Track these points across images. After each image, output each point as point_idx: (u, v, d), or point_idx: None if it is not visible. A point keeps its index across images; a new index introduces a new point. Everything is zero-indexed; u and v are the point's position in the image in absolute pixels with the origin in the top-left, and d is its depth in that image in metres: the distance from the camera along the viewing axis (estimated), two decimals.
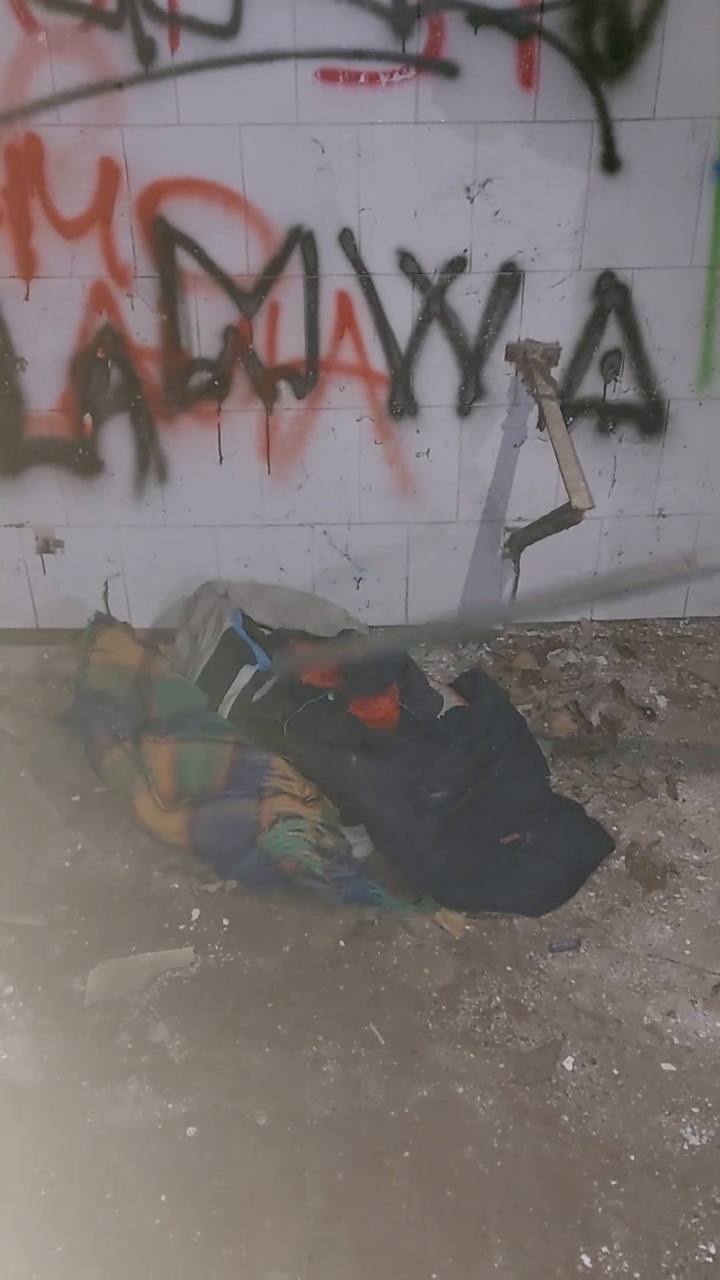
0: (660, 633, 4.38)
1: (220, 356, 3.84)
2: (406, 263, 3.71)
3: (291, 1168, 2.56)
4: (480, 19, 3.40)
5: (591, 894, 3.27)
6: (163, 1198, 2.50)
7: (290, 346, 3.84)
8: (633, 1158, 2.59)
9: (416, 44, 3.42)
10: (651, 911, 3.22)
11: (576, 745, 3.82)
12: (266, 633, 3.88)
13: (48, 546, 4.15)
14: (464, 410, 3.96)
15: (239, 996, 2.97)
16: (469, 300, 3.79)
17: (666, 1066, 2.79)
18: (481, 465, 4.06)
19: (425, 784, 3.42)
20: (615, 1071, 2.78)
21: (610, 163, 3.60)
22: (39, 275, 3.69)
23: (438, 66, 3.45)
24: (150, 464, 4.00)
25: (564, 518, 3.56)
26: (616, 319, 3.85)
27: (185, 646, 3.90)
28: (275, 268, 3.70)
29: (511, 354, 3.87)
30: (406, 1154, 2.59)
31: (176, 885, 3.29)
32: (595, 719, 3.92)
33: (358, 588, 4.26)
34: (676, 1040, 2.85)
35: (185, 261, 3.69)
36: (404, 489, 4.09)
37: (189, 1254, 2.40)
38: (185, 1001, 2.95)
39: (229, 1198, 2.51)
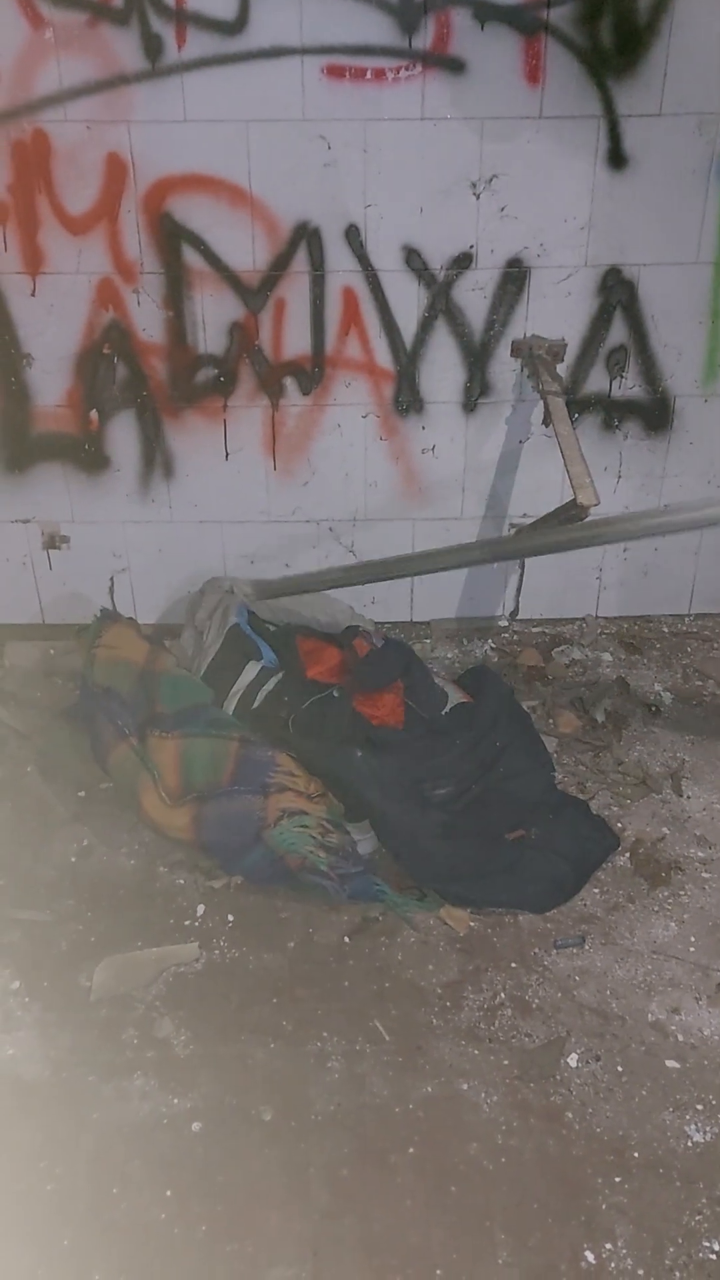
0: (665, 629, 4.38)
1: (226, 353, 3.84)
2: (412, 259, 3.71)
3: (296, 1163, 2.57)
4: (487, 15, 3.40)
5: (596, 890, 3.27)
6: (168, 1193, 2.51)
7: (296, 343, 3.84)
8: (637, 1154, 2.59)
9: (423, 40, 3.42)
10: (656, 908, 3.22)
11: (581, 742, 3.82)
12: (272, 629, 3.88)
13: (53, 542, 4.15)
14: (469, 406, 3.96)
15: (244, 992, 2.97)
16: (475, 296, 3.78)
17: (671, 1063, 2.79)
18: (487, 461, 4.06)
19: (430, 780, 3.42)
20: (619, 1068, 2.78)
21: (617, 158, 3.60)
22: (45, 271, 3.69)
23: (444, 62, 3.45)
24: (156, 460, 4.01)
25: (569, 514, 3.55)
26: (622, 315, 3.84)
27: (190, 642, 3.90)
28: (281, 264, 3.70)
29: (517, 350, 3.87)
30: (411, 1150, 2.60)
31: (182, 881, 3.29)
32: (600, 715, 3.92)
33: (363, 584, 4.26)
34: (681, 1037, 2.86)
35: (191, 258, 3.69)
36: (409, 485, 4.09)
37: (194, 1249, 2.41)
38: (190, 997, 2.96)
39: (234, 1193, 2.51)
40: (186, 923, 3.17)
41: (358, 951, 3.09)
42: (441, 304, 3.79)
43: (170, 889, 3.27)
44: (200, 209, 3.63)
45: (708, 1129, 2.64)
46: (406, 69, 3.45)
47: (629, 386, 3.96)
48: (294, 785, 3.30)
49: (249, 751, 3.37)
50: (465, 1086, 2.73)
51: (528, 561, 4.20)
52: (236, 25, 3.40)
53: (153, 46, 3.42)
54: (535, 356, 3.82)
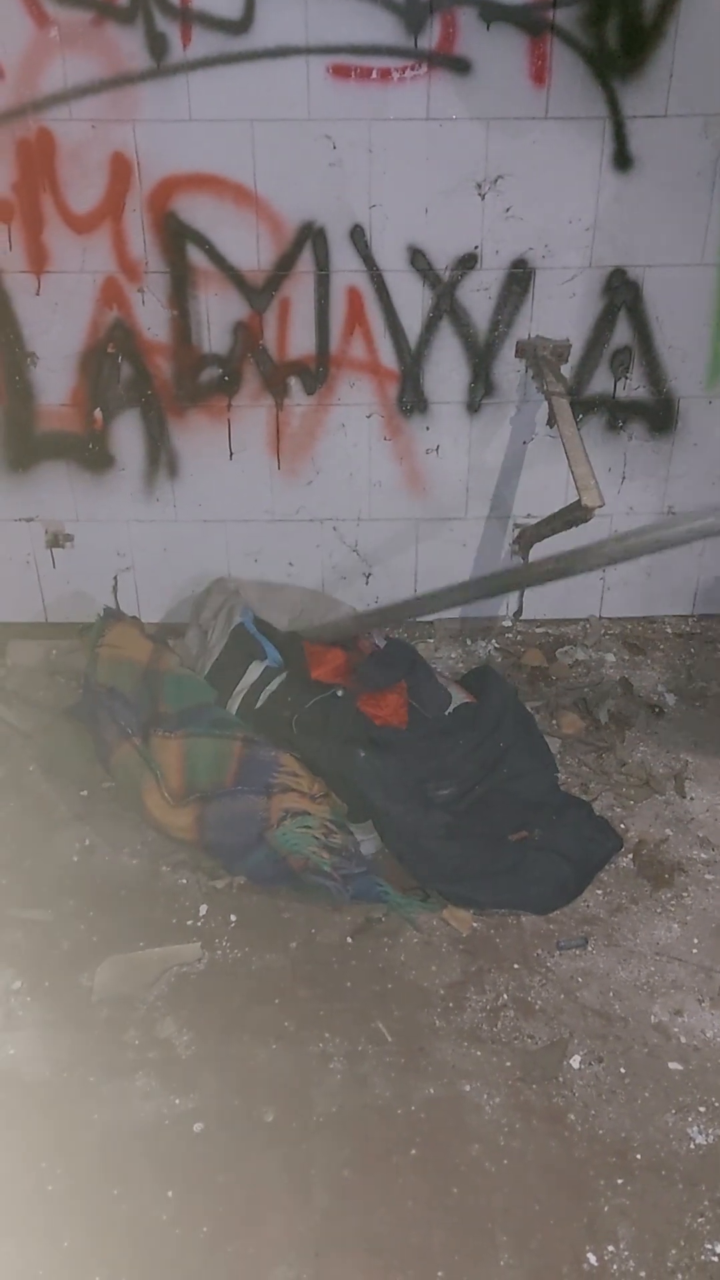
0: (669, 630, 4.38)
1: (231, 352, 3.84)
2: (417, 259, 3.71)
3: (298, 1164, 2.57)
4: (493, 15, 3.39)
5: (599, 892, 3.27)
6: (170, 1193, 2.51)
7: (301, 342, 3.83)
8: (639, 1156, 2.59)
9: (429, 40, 3.41)
10: (659, 910, 3.22)
11: (584, 743, 3.82)
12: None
13: (57, 541, 4.15)
14: (474, 407, 3.96)
15: (246, 992, 2.97)
16: (479, 297, 3.78)
17: (673, 1065, 2.79)
18: (491, 462, 4.06)
19: (433, 781, 3.42)
20: (622, 1070, 2.78)
21: (622, 160, 3.59)
22: (50, 270, 3.69)
23: (450, 63, 3.45)
24: (160, 459, 4.01)
25: (573, 516, 3.55)
26: (627, 316, 3.84)
27: (195, 642, 3.90)
28: (286, 264, 3.70)
29: (522, 351, 3.87)
30: (413, 1151, 2.60)
31: (185, 881, 3.29)
32: (603, 716, 3.92)
33: (367, 583, 4.26)
34: (684, 1039, 2.86)
35: (196, 257, 3.69)
36: (413, 485, 4.08)
37: (196, 1249, 2.41)
38: (193, 997, 2.96)
39: (236, 1193, 2.51)
40: (189, 923, 3.17)
41: (360, 952, 3.09)
42: (446, 304, 3.78)
43: (173, 889, 3.27)
44: (205, 208, 3.63)
45: (710, 1131, 2.64)
46: (412, 69, 3.44)
47: (633, 388, 3.96)
48: (297, 786, 3.30)
49: (252, 752, 3.37)
50: (467, 1088, 2.73)
51: (531, 561, 4.19)
52: (242, 24, 3.39)
53: (158, 45, 3.41)
54: (540, 357, 3.82)
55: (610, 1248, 2.42)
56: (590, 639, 4.32)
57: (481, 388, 3.92)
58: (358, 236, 3.67)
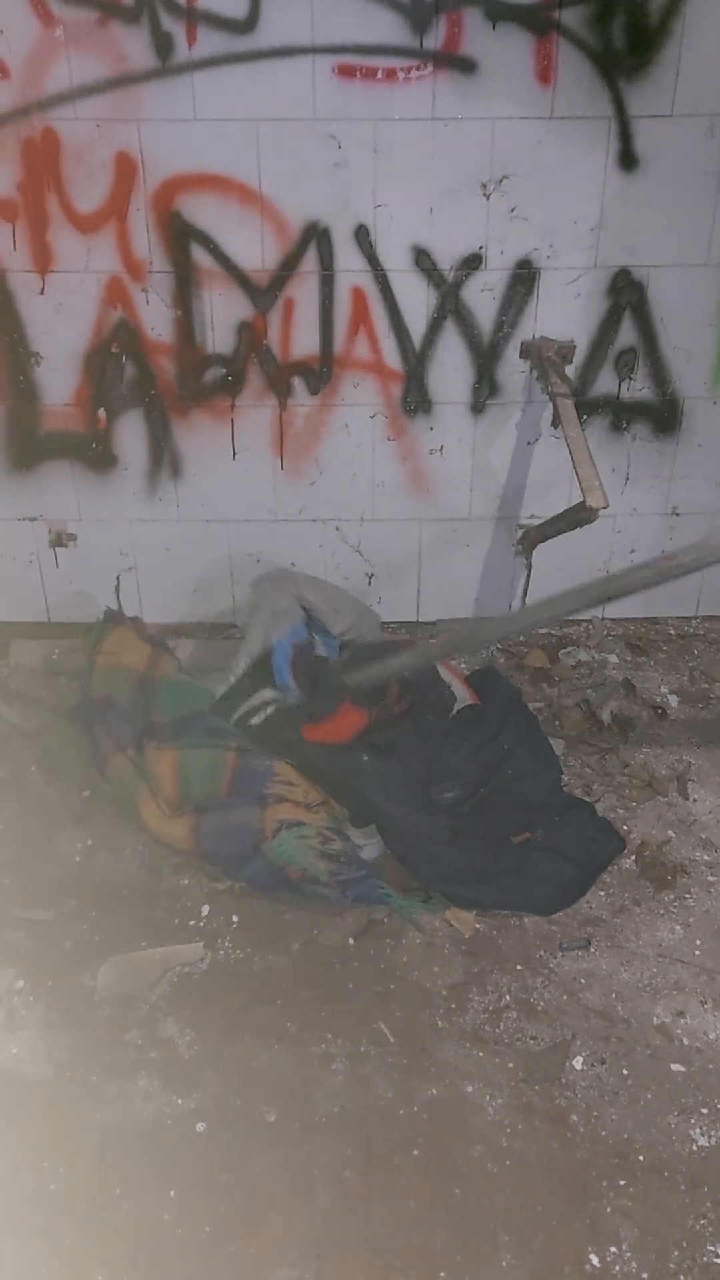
0: (672, 631, 4.37)
1: (234, 352, 3.84)
2: (422, 259, 3.70)
3: (300, 1165, 2.57)
4: (499, 15, 3.39)
5: (602, 893, 3.27)
6: (171, 1193, 2.51)
7: (304, 342, 3.83)
8: (641, 1158, 2.59)
9: (434, 40, 3.41)
10: (662, 911, 3.22)
11: (587, 744, 3.82)
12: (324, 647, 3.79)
13: (60, 540, 4.15)
14: (478, 407, 3.96)
15: (248, 993, 2.97)
16: (484, 297, 3.78)
17: (676, 1067, 2.79)
18: (495, 462, 4.06)
19: (437, 783, 3.42)
20: (624, 1071, 2.78)
21: (627, 160, 3.59)
22: (54, 270, 3.69)
23: (455, 62, 3.44)
24: (164, 459, 4.00)
25: (578, 516, 3.55)
26: (632, 317, 3.84)
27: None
28: (290, 264, 3.69)
29: (526, 351, 3.87)
30: (415, 1152, 2.60)
31: (186, 881, 3.29)
32: (606, 717, 3.92)
33: (370, 584, 4.26)
34: (686, 1041, 2.85)
35: (200, 257, 3.69)
36: (417, 486, 4.08)
37: (197, 1250, 2.41)
38: (195, 997, 2.96)
39: (238, 1194, 2.51)
40: (191, 923, 3.17)
41: (362, 953, 3.09)
42: (450, 305, 3.78)
43: (175, 889, 3.27)
44: (210, 208, 3.62)
45: (713, 1133, 2.64)
46: (418, 69, 3.44)
47: (638, 388, 3.95)
48: (291, 795, 3.29)
49: (246, 761, 3.35)
50: (470, 1089, 2.73)
51: (535, 562, 4.18)
52: (247, 24, 3.39)
53: (163, 45, 3.41)
54: (544, 358, 3.82)
55: (612, 1249, 2.42)
56: (593, 640, 4.32)
57: (486, 388, 3.92)
58: (362, 236, 3.66)
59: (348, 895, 3.17)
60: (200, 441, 3.98)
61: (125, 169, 3.56)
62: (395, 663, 3.58)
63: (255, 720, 3.54)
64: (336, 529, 4.15)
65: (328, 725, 3.50)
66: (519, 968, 3.04)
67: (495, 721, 3.58)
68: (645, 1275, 2.38)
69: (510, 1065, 2.79)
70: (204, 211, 3.63)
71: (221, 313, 3.78)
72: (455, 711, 3.63)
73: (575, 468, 3.45)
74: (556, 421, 3.80)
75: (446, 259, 3.71)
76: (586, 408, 3.97)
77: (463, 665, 4.18)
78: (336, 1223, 2.46)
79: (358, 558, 4.20)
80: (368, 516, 4.12)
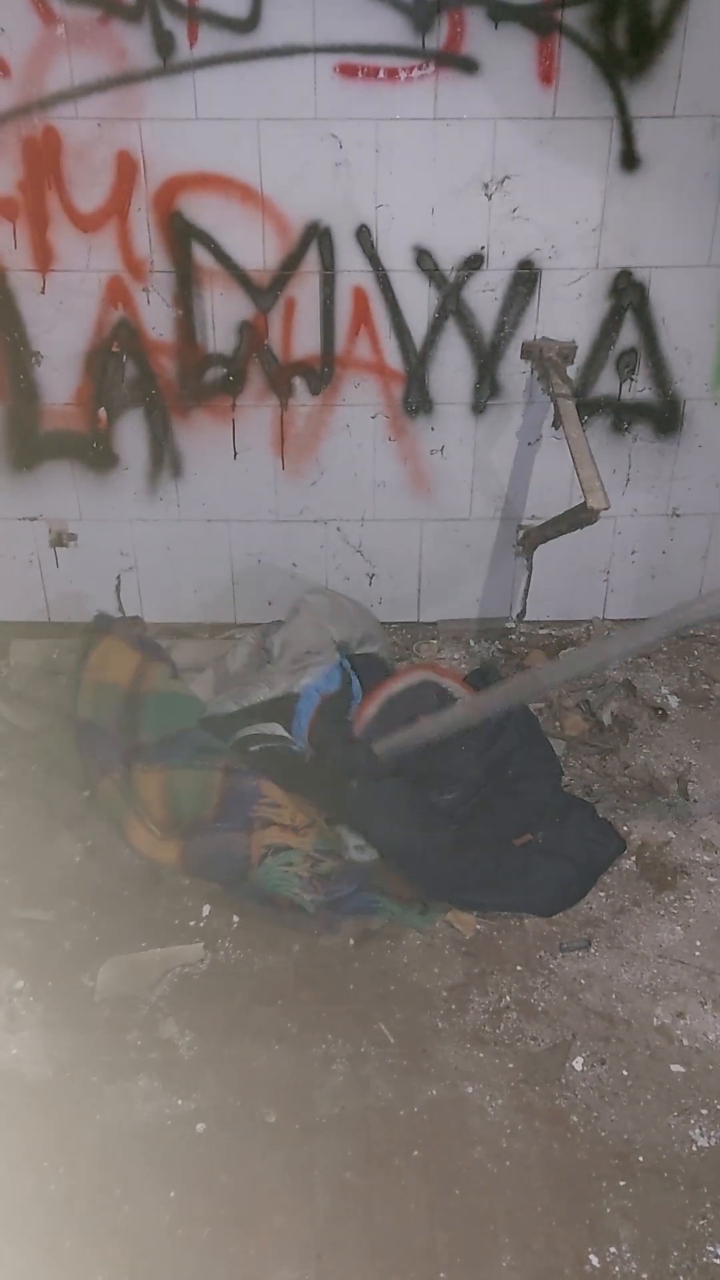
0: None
1: (235, 352, 3.84)
2: (423, 259, 3.70)
3: (300, 1166, 2.57)
4: (501, 15, 3.38)
5: (602, 894, 3.26)
6: (171, 1194, 2.51)
7: (306, 342, 3.83)
8: (641, 1159, 2.59)
9: (436, 39, 3.41)
10: (662, 912, 3.22)
11: (588, 744, 3.82)
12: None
13: (61, 540, 4.15)
14: (479, 408, 3.95)
15: (249, 994, 2.97)
16: (485, 298, 3.78)
17: (676, 1068, 2.79)
18: (496, 463, 4.05)
19: (438, 786, 3.41)
20: (624, 1072, 2.78)
21: (629, 160, 3.58)
22: (55, 269, 3.68)
23: (457, 62, 3.44)
24: (164, 459, 4.00)
25: (579, 518, 3.55)
26: (633, 318, 3.83)
27: (243, 655, 3.86)
28: (292, 263, 3.69)
29: (527, 352, 3.86)
30: (415, 1153, 2.60)
31: (187, 882, 3.29)
32: (607, 718, 3.91)
33: (370, 584, 4.25)
34: (686, 1042, 2.85)
35: (201, 256, 3.68)
36: (418, 486, 4.08)
37: (197, 1251, 2.41)
38: (195, 998, 2.96)
39: (238, 1195, 2.51)
40: (191, 923, 3.17)
41: (363, 954, 3.08)
42: (452, 305, 3.78)
43: (175, 889, 3.27)
44: (211, 207, 3.62)
45: (712, 1134, 2.64)
46: (419, 68, 3.44)
47: (639, 389, 3.95)
48: (279, 819, 3.27)
49: (234, 782, 3.33)
50: (470, 1090, 2.73)
51: (535, 563, 4.19)
52: (249, 23, 3.39)
53: (164, 44, 3.41)
54: (545, 359, 3.81)
55: (612, 1249, 2.42)
56: (594, 640, 4.32)
57: (487, 389, 3.92)
58: (364, 236, 3.66)
59: (338, 917, 3.15)
60: (201, 441, 3.98)
61: (126, 168, 3.55)
62: (425, 729, 3.50)
63: (254, 748, 3.48)
64: (337, 529, 4.14)
65: None
66: (519, 968, 3.04)
67: (496, 722, 3.57)
68: (645, 1276, 2.38)
69: (510, 1066, 2.79)
70: (205, 211, 3.63)
71: (222, 312, 3.78)
72: None
73: (576, 469, 3.45)
74: (558, 422, 3.80)
75: (448, 259, 3.71)
76: (588, 408, 3.96)
77: (462, 666, 4.18)
78: (336, 1224, 2.46)
79: (358, 558, 4.20)
80: (369, 517, 4.12)
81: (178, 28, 3.39)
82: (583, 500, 3.38)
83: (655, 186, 3.62)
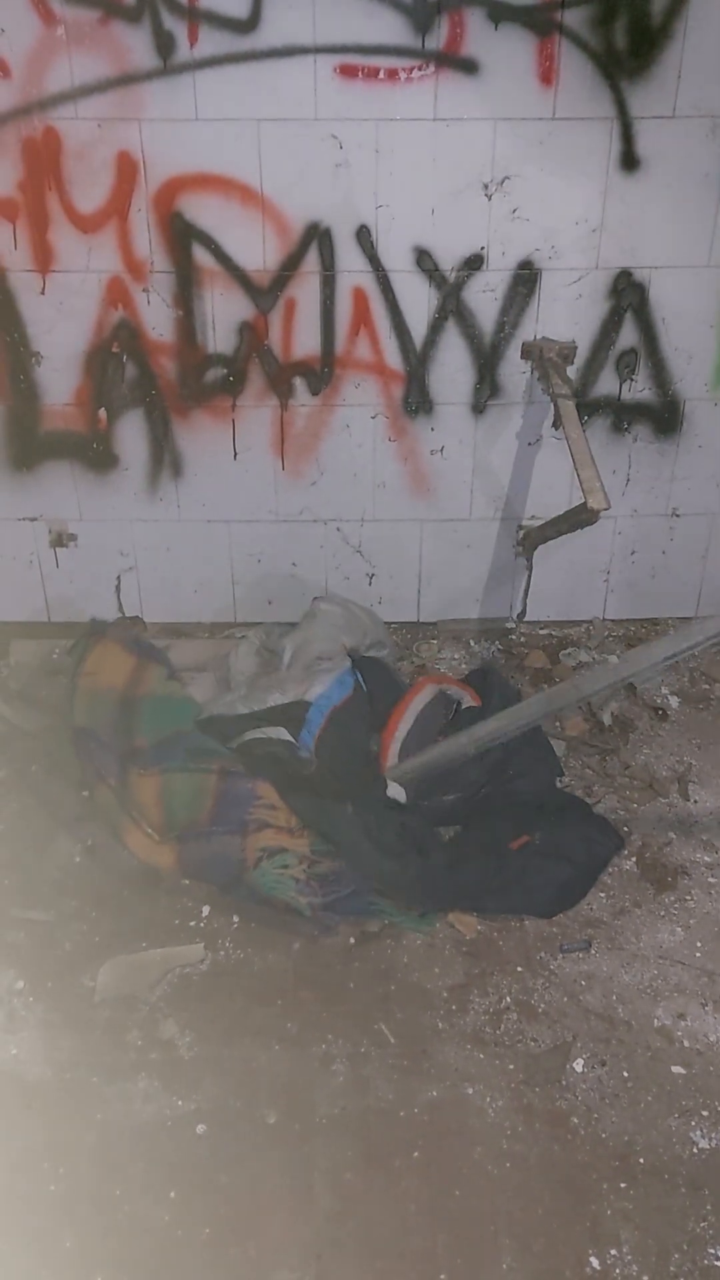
0: (672, 632, 4.36)
1: (236, 352, 3.84)
2: (423, 260, 3.70)
3: (300, 1166, 2.56)
4: (501, 15, 3.38)
5: (602, 895, 3.26)
6: (172, 1195, 2.51)
7: (306, 343, 3.83)
8: (642, 1160, 2.59)
9: (436, 40, 3.41)
10: (662, 913, 3.21)
11: (588, 745, 3.81)
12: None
13: (61, 540, 4.15)
14: (479, 408, 3.95)
15: (249, 994, 2.97)
16: (485, 298, 3.78)
17: (676, 1069, 2.78)
18: (496, 463, 4.05)
19: (439, 787, 3.41)
20: (625, 1074, 2.78)
21: (629, 161, 3.58)
22: (55, 269, 3.68)
23: (457, 63, 3.44)
24: (164, 459, 4.00)
25: (579, 518, 3.55)
26: (633, 318, 3.83)
27: (246, 658, 3.85)
28: (292, 264, 3.69)
29: (527, 352, 3.86)
30: (415, 1154, 2.59)
31: (186, 882, 3.28)
32: (607, 719, 3.91)
33: (370, 584, 4.26)
34: (687, 1043, 2.85)
35: (202, 257, 3.68)
36: (418, 486, 4.08)
37: (197, 1251, 2.41)
38: (195, 998, 2.95)
39: (238, 1196, 2.51)
40: (191, 923, 3.17)
41: (363, 954, 3.08)
42: (452, 305, 3.78)
43: (175, 889, 3.26)
44: (211, 208, 3.62)
45: (713, 1135, 2.63)
46: (419, 69, 3.44)
47: (639, 390, 3.95)
48: (274, 820, 3.26)
49: (229, 785, 3.32)
50: (470, 1091, 2.73)
51: (535, 564, 4.19)
52: (249, 24, 3.39)
53: (165, 44, 3.41)
54: (545, 359, 3.81)
55: (613, 1251, 2.42)
56: (594, 641, 4.32)
57: (487, 389, 3.92)
58: (364, 237, 3.66)
59: (335, 919, 3.14)
60: (201, 441, 3.98)
61: (126, 169, 3.55)
62: (443, 752, 3.47)
63: (258, 752, 3.46)
64: (337, 529, 4.14)
65: None
66: (520, 969, 3.04)
67: None
68: (646, 1278, 2.37)
69: (511, 1067, 2.79)
70: (205, 211, 3.63)
71: (223, 313, 3.77)
72: (456, 712, 3.62)
73: (576, 469, 3.44)
74: (558, 422, 3.80)
75: (448, 259, 3.71)
76: (588, 409, 3.96)
77: (463, 666, 4.18)
78: (337, 1224, 2.46)
79: (358, 558, 4.20)
80: (369, 517, 4.12)
81: (178, 28, 3.39)
82: (583, 500, 3.38)
83: (655, 187, 3.62)
